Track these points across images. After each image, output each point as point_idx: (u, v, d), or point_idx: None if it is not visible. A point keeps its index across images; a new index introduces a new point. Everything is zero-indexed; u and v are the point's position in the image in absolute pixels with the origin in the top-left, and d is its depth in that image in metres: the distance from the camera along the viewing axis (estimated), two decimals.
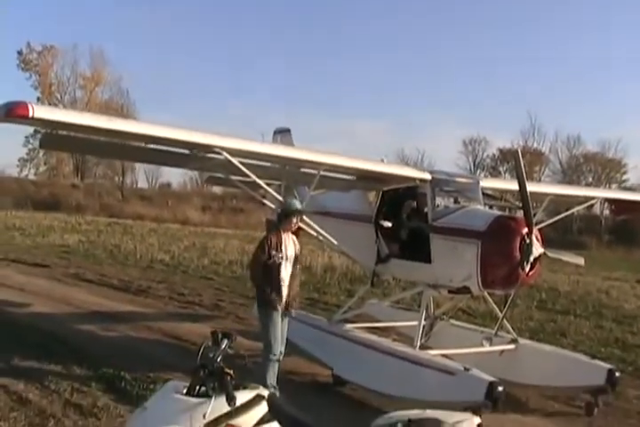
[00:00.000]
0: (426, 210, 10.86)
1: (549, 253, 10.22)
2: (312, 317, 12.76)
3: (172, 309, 16.96)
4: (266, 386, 8.99)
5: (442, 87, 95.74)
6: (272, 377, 9.76)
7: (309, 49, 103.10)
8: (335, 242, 11.42)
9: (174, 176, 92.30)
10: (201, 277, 22.13)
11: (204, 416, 4.61)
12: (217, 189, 63.64)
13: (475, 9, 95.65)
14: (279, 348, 9.84)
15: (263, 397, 4.81)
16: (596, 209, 55.01)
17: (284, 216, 10.04)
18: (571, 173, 66.96)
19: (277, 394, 9.41)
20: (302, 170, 11.13)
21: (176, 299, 18.11)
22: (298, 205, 10.13)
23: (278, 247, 9.92)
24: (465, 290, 10.45)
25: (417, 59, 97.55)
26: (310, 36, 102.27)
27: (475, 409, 8.09)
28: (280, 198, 10.83)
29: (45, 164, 73.56)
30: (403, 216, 11.42)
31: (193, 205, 58.42)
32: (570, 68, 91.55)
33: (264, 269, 9.86)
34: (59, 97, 73.22)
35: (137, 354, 11.92)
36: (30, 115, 7.78)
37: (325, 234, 11.24)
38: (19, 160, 72.51)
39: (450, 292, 10.90)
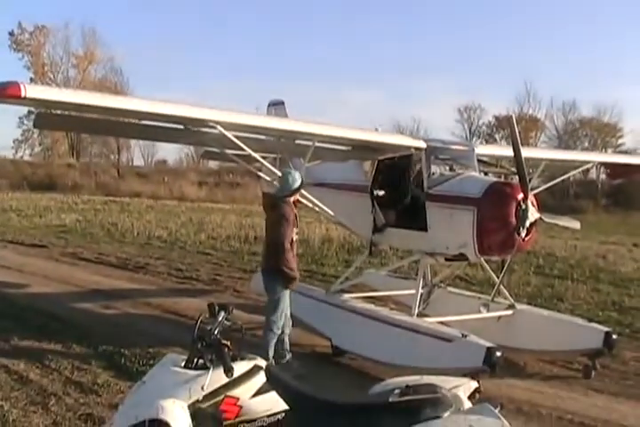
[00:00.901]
0: (421, 178, 10.83)
1: (545, 219, 10.23)
2: (310, 288, 12.78)
3: (170, 284, 16.99)
4: (268, 359, 9.12)
5: (435, 55, 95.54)
6: (272, 351, 9.87)
7: (300, 19, 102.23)
8: (332, 213, 11.41)
9: (170, 153, 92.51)
10: (198, 253, 22.12)
11: (202, 388, 4.64)
12: (213, 164, 63.70)
13: None
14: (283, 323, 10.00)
15: (261, 367, 4.84)
16: (593, 174, 55.09)
17: (292, 191, 10.04)
18: (567, 139, 66.79)
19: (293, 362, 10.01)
20: (297, 142, 11.07)
21: (174, 275, 18.13)
22: (299, 178, 10.10)
23: (296, 223, 10.05)
24: (462, 257, 10.45)
25: (408, 25, 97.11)
26: (302, 8, 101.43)
27: (473, 375, 8.14)
28: (276, 171, 10.80)
29: (40, 144, 73.52)
30: (398, 185, 11.40)
31: (189, 181, 58.34)
32: (564, 32, 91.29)
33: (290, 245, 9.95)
34: (52, 77, 72.71)
35: (136, 330, 11.95)
36: (23, 95, 7.72)
37: (322, 205, 11.22)
38: (13, 142, 72.54)
39: (447, 259, 10.92)
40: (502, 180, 11.88)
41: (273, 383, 4.83)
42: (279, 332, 9.96)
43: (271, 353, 9.82)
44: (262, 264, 10.70)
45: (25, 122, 68.60)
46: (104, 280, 17.10)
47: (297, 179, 10.06)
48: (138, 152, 75.76)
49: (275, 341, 9.95)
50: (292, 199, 10.14)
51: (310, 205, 11.14)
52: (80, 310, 13.74)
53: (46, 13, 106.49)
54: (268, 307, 10.16)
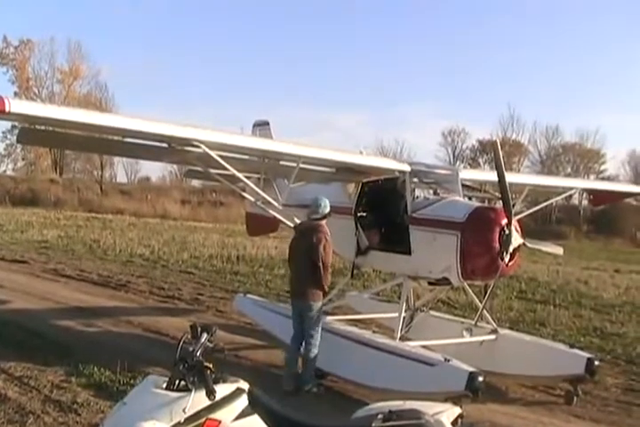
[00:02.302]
0: (405, 201, 10.85)
1: (528, 244, 10.29)
2: None
3: (152, 303, 16.90)
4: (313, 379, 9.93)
5: (420, 79, 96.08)
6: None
7: (290, 43, 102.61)
8: None
9: (153, 170, 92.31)
10: (181, 272, 22.02)
11: (184, 411, 4.59)
12: (196, 183, 63.64)
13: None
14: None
15: (243, 390, 4.80)
16: (575, 199, 55.48)
17: (324, 215, 10.39)
18: (550, 164, 67.31)
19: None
20: (281, 162, 11.09)
21: (156, 293, 18.04)
22: (328, 204, 10.47)
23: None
24: (445, 281, 10.46)
25: (394, 49, 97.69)
26: (291, 33, 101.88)
27: (455, 400, 8.12)
28: (260, 191, 10.81)
29: (23, 159, 73.19)
30: (382, 208, 11.42)
31: (172, 199, 58.21)
32: (548, 57, 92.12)
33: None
34: (36, 91, 72.62)
35: (117, 349, 11.83)
36: (7, 109, 7.72)
37: None
38: None
39: (430, 283, 10.93)
40: (486, 204, 11.94)
41: (255, 407, 4.79)
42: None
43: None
44: (297, 288, 10.58)
45: (8, 136, 68.51)
46: (85, 297, 16.99)
47: (327, 204, 10.39)
48: (121, 169, 75.72)
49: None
50: (324, 222, 10.35)
51: (293, 226, 11.12)
52: (61, 327, 13.64)
53: (32, 27, 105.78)
54: (310, 327, 10.20)
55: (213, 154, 9.68)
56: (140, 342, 12.70)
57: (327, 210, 10.38)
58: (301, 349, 10.27)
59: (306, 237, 10.36)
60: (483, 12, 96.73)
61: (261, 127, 15.04)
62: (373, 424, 4.67)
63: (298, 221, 10.92)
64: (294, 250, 10.62)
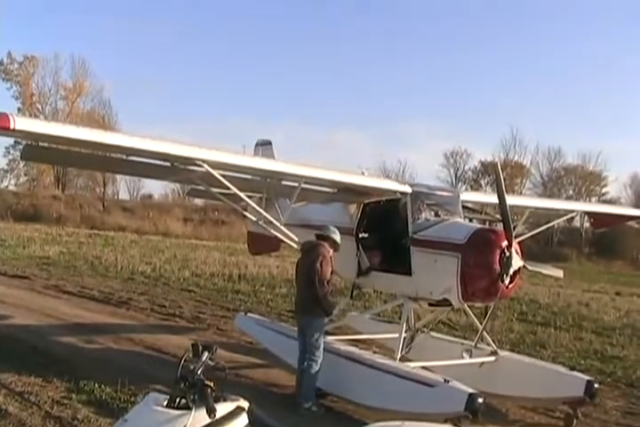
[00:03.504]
0: (406, 222, 10.89)
1: (529, 266, 10.33)
2: (293, 328, 12.73)
3: (153, 321, 16.91)
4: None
5: (423, 98, 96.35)
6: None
7: (289, 60, 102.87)
8: None
9: (156, 188, 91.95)
10: (182, 290, 22.03)
11: None
12: (199, 201, 63.45)
13: (458, 20, 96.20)
14: None
15: (243, 409, 4.83)
16: (577, 222, 55.46)
17: (327, 236, 10.68)
18: (551, 186, 67.36)
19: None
20: (283, 182, 11.16)
21: (157, 311, 18.05)
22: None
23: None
24: (445, 302, 10.49)
25: (396, 71, 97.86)
26: (290, 47, 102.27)
27: (455, 421, 8.14)
28: (262, 211, 10.87)
29: (26, 175, 73.09)
30: (383, 229, 11.46)
31: (174, 217, 58.25)
32: (551, 79, 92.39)
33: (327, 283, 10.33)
34: (40, 108, 72.59)
35: (118, 366, 11.85)
36: (12, 126, 7.76)
37: None
38: None
39: (430, 304, 10.95)
40: (487, 226, 11.98)
41: (255, 425, 4.82)
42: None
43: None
44: (297, 303, 10.98)
45: (11, 151, 68.43)
46: (86, 314, 17.01)
47: (338, 235, 10.78)
48: (124, 186, 75.46)
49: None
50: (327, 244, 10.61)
51: (295, 246, 11.16)
52: (62, 343, 13.67)
53: (36, 44, 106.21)
54: (310, 343, 10.34)
55: (216, 173, 9.74)
56: (141, 360, 12.70)
57: (337, 238, 10.72)
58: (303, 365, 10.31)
59: (307, 255, 10.52)
60: (487, 31, 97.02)
61: (264, 147, 15.11)
62: None
63: (301, 241, 10.99)
64: (298, 268, 10.78)
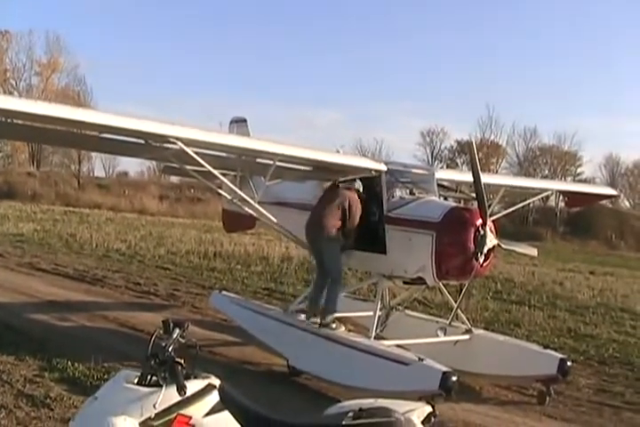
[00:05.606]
0: (381, 201, 10.88)
1: (503, 245, 10.34)
2: (268, 307, 12.77)
3: (127, 298, 16.85)
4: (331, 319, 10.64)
5: (400, 78, 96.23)
6: None
7: (267, 41, 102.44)
8: (291, 232, 11.42)
9: (131, 165, 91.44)
10: (157, 267, 21.96)
11: (154, 406, 4.58)
12: (174, 179, 63.15)
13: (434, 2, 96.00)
14: None
15: (214, 386, 4.80)
16: (552, 201, 55.80)
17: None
18: (527, 166, 67.71)
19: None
20: (258, 160, 11.09)
21: (132, 288, 17.98)
22: None
23: None
24: (420, 281, 10.51)
25: (374, 51, 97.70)
26: (270, 29, 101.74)
27: (428, 399, 8.15)
28: (236, 189, 10.80)
29: (0, 152, 72.53)
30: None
31: (150, 195, 57.96)
32: (527, 59, 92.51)
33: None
34: (14, 84, 71.93)
35: (91, 344, 11.78)
36: None
37: (281, 224, 11.23)
38: None
39: (405, 282, 10.97)
40: (462, 205, 11.98)
41: (226, 403, 4.79)
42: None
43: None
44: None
45: None
46: (60, 292, 16.90)
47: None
48: (99, 163, 75.14)
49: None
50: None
51: (269, 223, 11.13)
52: (35, 321, 13.57)
53: (10, 19, 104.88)
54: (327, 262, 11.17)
55: (190, 151, 9.65)
56: (115, 337, 12.66)
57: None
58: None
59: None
60: (464, 13, 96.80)
61: (239, 124, 15.00)
62: (344, 422, 4.68)
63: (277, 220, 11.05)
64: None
